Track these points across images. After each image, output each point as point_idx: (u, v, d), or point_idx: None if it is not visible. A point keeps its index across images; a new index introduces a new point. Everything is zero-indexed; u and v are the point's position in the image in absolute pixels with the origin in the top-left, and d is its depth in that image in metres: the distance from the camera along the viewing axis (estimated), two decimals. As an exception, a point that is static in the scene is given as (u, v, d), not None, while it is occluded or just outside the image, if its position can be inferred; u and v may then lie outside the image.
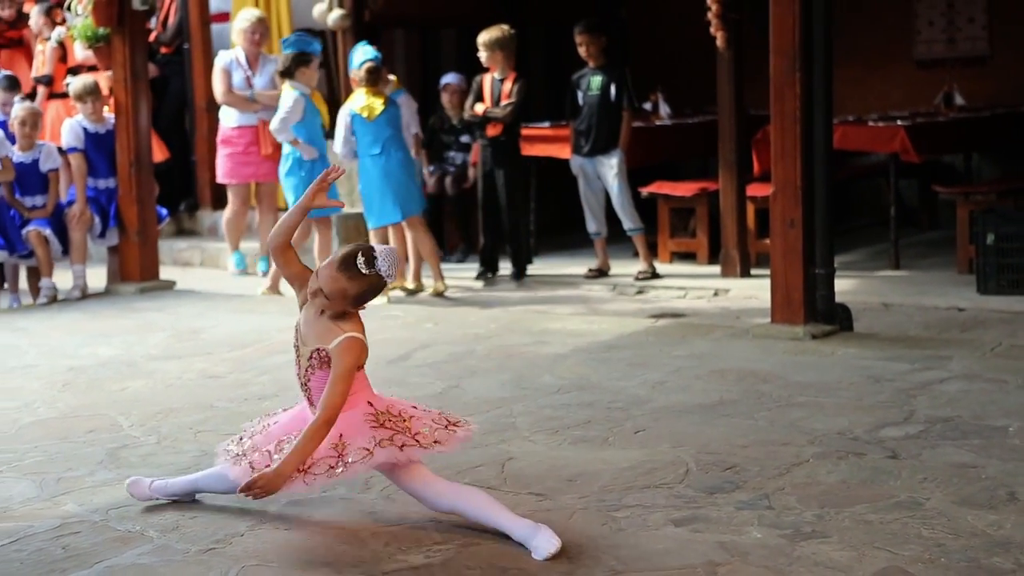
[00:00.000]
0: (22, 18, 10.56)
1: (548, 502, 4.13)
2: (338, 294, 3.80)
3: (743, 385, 5.64)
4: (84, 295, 8.45)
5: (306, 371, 3.90)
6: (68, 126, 8.71)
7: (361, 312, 3.92)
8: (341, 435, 3.81)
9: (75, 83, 8.83)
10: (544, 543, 3.70)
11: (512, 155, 9.00)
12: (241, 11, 9.72)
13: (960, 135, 9.77)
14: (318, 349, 3.85)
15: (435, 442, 3.89)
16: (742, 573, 3.51)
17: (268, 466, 3.78)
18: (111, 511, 4.14)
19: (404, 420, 3.89)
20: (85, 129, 8.66)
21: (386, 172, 8.41)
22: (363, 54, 8.40)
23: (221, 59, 9.43)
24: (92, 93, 8.65)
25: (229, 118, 9.33)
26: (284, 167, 8.47)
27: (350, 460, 3.78)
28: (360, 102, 8.39)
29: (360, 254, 3.80)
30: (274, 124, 8.36)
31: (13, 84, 9.04)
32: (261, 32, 9.44)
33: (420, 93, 10.41)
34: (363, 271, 3.78)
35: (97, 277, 8.89)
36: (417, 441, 3.86)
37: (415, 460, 3.87)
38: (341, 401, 3.78)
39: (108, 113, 8.83)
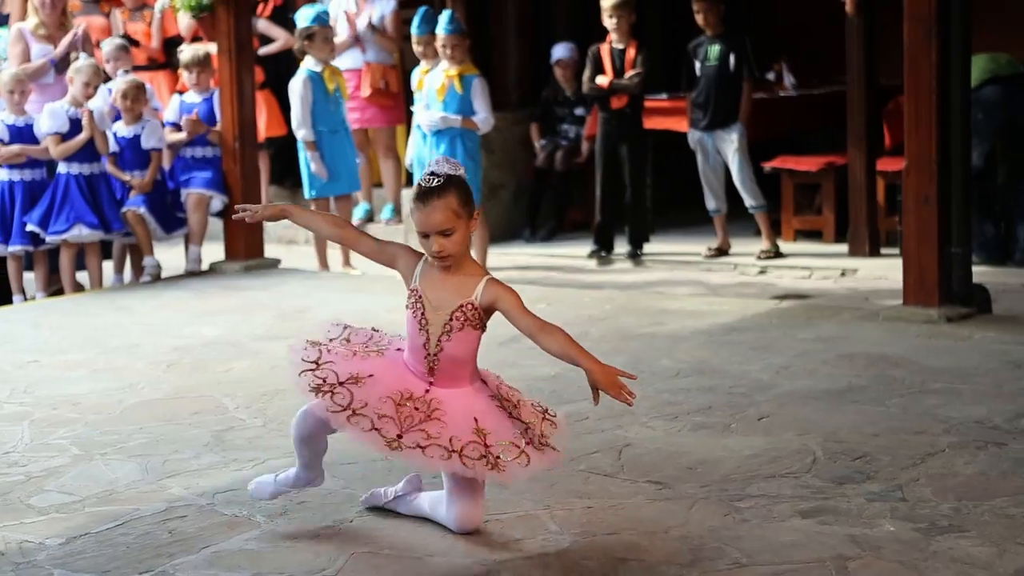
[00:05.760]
0: None
1: (667, 491, 4.02)
2: (450, 218, 3.59)
3: (873, 370, 5.46)
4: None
5: (439, 338, 3.65)
6: (172, 102, 8.77)
7: None
8: (476, 419, 3.61)
9: (186, 51, 8.84)
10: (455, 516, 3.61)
11: (637, 128, 8.87)
12: None
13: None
14: (462, 305, 3.65)
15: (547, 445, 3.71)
16: (875, 568, 3.37)
17: (400, 435, 3.54)
18: (217, 495, 4.10)
19: (516, 406, 3.73)
20: (182, 101, 8.67)
21: None
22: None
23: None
24: (198, 64, 8.64)
25: (337, 63, 9.25)
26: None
27: (502, 458, 3.57)
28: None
29: (423, 179, 3.63)
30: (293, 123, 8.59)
31: (126, 49, 9.01)
32: None
33: (532, 61, 10.27)
34: (437, 182, 3.60)
35: (211, 254, 8.90)
36: (545, 443, 3.68)
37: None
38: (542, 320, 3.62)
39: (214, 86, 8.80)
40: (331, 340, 3.84)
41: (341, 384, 3.60)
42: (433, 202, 3.59)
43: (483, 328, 3.71)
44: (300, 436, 3.76)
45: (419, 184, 3.64)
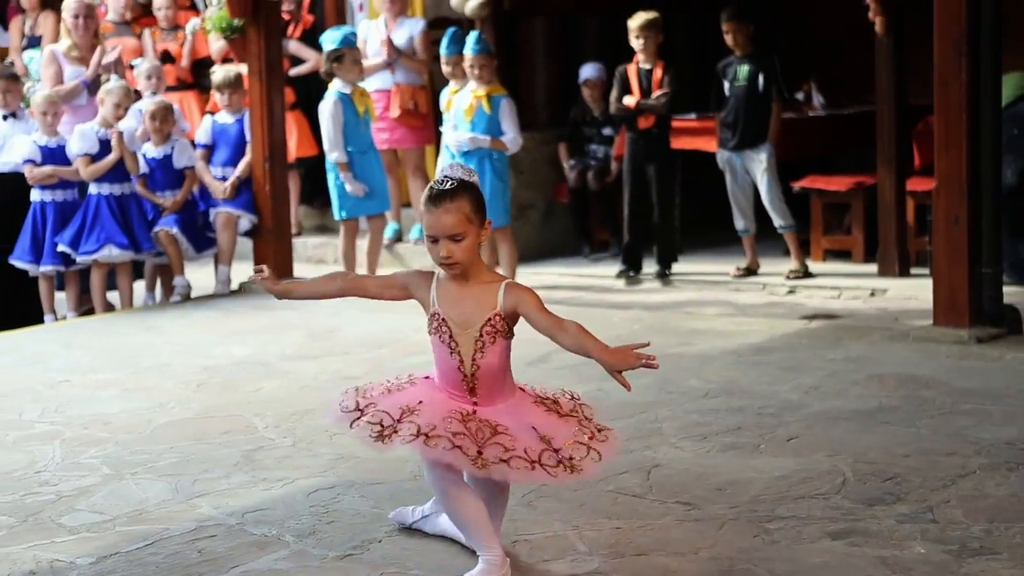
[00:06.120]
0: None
1: (696, 512, 4.00)
2: (461, 222, 3.51)
3: (903, 391, 5.43)
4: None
5: (473, 357, 3.55)
6: (204, 123, 8.86)
7: None
8: (534, 427, 3.52)
9: (218, 72, 8.91)
10: None
11: (664, 148, 8.85)
12: None
13: None
14: (490, 318, 3.55)
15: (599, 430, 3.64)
16: (905, 591, 3.34)
17: (481, 452, 3.44)
18: (247, 515, 4.10)
19: (555, 402, 3.67)
20: (214, 122, 8.75)
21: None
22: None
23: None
24: (230, 86, 8.70)
25: (367, 84, 9.28)
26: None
27: (572, 456, 3.49)
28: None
29: (435, 183, 3.55)
30: (325, 145, 8.56)
31: (159, 72, 9.09)
32: None
33: (560, 81, 10.29)
34: (451, 185, 3.52)
35: (241, 273, 8.94)
36: (601, 428, 3.62)
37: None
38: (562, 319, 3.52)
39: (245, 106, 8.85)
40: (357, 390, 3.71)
41: (399, 421, 3.48)
42: (445, 205, 3.51)
43: (511, 335, 3.63)
44: (443, 496, 3.57)
45: (431, 187, 3.57)
